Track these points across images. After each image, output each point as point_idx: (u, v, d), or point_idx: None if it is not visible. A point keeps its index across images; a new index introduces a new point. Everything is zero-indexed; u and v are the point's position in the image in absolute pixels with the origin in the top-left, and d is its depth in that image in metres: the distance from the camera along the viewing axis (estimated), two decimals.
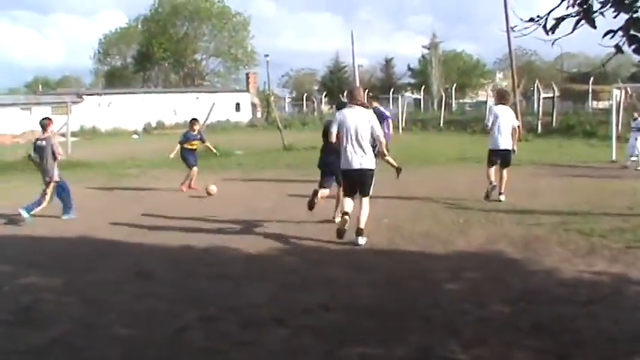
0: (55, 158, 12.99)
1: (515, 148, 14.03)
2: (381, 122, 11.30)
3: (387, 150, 12.74)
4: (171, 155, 17.33)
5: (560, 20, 3.96)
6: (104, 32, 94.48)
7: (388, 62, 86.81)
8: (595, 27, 3.85)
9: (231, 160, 25.46)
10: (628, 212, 11.90)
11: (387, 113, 16.51)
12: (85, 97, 59.32)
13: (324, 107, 68.94)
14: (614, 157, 21.85)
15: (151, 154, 28.24)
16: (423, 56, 78.27)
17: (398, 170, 15.69)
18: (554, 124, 38.13)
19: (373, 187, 10.69)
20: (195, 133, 17.35)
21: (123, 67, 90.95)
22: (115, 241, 10.74)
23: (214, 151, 19.08)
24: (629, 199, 13.38)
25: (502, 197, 13.65)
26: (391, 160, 15.15)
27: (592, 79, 45.06)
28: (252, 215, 12.75)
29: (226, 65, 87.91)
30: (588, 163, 21.24)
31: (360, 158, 10.00)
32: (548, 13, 4.02)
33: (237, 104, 67.87)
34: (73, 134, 40.19)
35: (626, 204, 12.69)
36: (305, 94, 73.18)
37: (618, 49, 3.76)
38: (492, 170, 13.85)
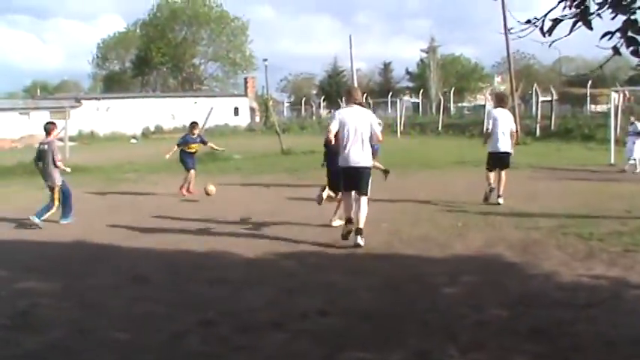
0: (58, 164, 12.97)
1: (512, 151, 14.11)
2: None
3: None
4: (167, 156, 17.26)
5: (557, 22, 3.94)
6: (103, 37, 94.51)
7: (386, 66, 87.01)
8: (592, 28, 3.83)
9: (230, 165, 25.48)
10: (626, 216, 11.89)
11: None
12: (83, 101, 59.38)
13: (323, 111, 69.01)
14: (612, 161, 21.86)
15: (149, 159, 28.22)
16: (421, 60, 78.43)
17: (385, 172, 15.82)
18: (552, 127, 38.15)
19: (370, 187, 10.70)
20: (195, 136, 17.28)
21: (121, 72, 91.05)
22: (112, 246, 10.72)
23: (220, 149, 19.07)
24: (628, 202, 13.38)
25: (500, 200, 13.66)
26: (377, 164, 15.11)
27: (590, 82, 45.15)
28: (250, 219, 12.74)
29: (225, 70, 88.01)
30: (586, 167, 21.23)
31: (358, 156, 10.17)
32: (545, 15, 4.00)
33: (236, 109, 67.87)
34: (72, 139, 40.16)
35: (624, 207, 12.69)
36: (303, 99, 73.25)
37: (616, 51, 3.75)
38: (492, 173, 13.89)
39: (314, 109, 71.58)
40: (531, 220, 11.70)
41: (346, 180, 10.44)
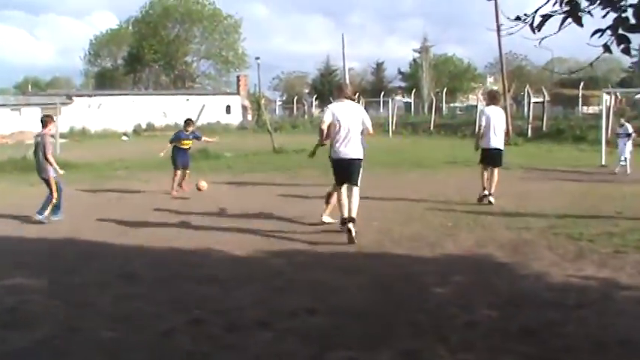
0: (49, 156, 12.85)
1: (503, 148, 14.28)
2: None
3: None
4: (162, 154, 17.19)
5: (546, 18, 3.91)
6: (95, 33, 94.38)
7: (379, 66, 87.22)
8: (582, 25, 3.80)
9: (221, 163, 25.40)
10: (617, 217, 11.89)
11: None
12: (74, 98, 59.15)
13: (315, 110, 68.98)
14: (603, 162, 21.90)
15: (140, 156, 28.17)
16: (413, 60, 78.71)
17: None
18: (544, 128, 38.23)
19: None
20: (188, 133, 17.22)
21: (113, 69, 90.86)
22: (101, 243, 10.65)
23: (213, 139, 19.02)
24: (618, 203, 13.40)
25: (491, 199, 13.70)
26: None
27: (582, 84, 45.25)
28: (240, 217, 12.72)
29: (217, 68, 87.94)
30: (578, 168, 21.26)
31: (349, 149, 10.53)
32: (535, 12, 3.98)
33: (228, 107, 67.79)
34: (63, 136, 40.07)
35: (615, 208, 12.69)
36: (296, 97, 73.43)
37: (606, 48, 3.72)
38: (485, 173, 14.05)
39: (306, 107, 71.67)
40: (522, 221, 11.70)
41: (338, 172, 10.74)
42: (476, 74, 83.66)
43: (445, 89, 60.65)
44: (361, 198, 10.74)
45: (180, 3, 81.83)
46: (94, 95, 63.47)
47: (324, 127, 10.64)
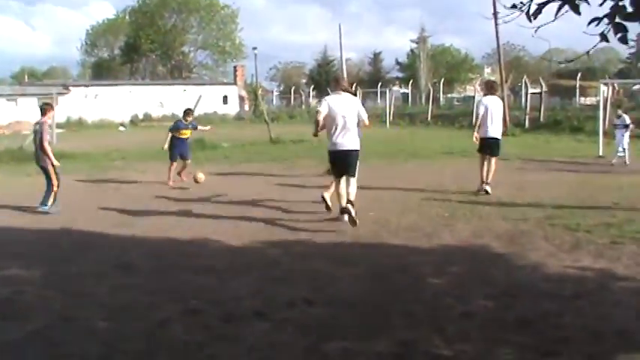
0: (45, 144, 12.76)
1: (500, 137, 14.38)
2: None
3: None
4: (165, 146, 17.09)
5: (542, 5, 3.88)
6: (92, 23, 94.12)
7: (376, 56, 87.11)
8: (579, 13, 3.77)
9: (218, 153, 25.37)
10: (614, 207, 11.88)
11: None
12: (71, 88, 58.95)
13: (312, 101, 68.88)
14: (601, 153, 21.88)
15: (137, 146, 28.13)
16: (411, 50, 78.65)
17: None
18: (541, 119, 38.17)
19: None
20: (187, 122, 17.20)
21: (110, 59, 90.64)
22: (97, 233, 10.64)
23: (205, 128, 18.97)
24: (616, 194, 13.39)
25: (488, 188, 13.76)
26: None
27: (579, 75, 45.22)
28: (237, 207, 12.71)
29: (214, 58, 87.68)
30: (575, 159, 21.24)
31: (346, 140, 10.64)
32: (532, 0, 3.94)
33: (225, 97, 67.63)
34: (60, 126, 39.99)
35: (612, 199, 12.68)
36: (293, 88, 73.32)
37: (603, 37, 3.68)
38: (485, 163, 14.09)
39: (303, 98, 71.50)
40: (519, 211, 11.69)
41: (336, 164, 10.88)
42: (473, 65, 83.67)
43: (442, 80, 60.60)
44: (358, 188, 10.84)
45: None
46: (91, 85, 63.32)
47: (320, 117, 10.75)
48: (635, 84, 49.52)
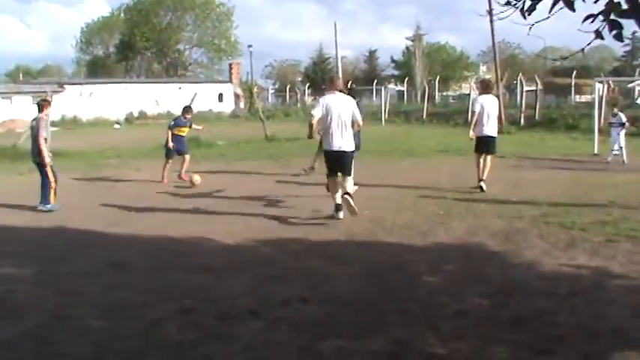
0: (40, 140, 12.68)
1: (496, 135, 14.52)
2: None
3: None
4: (170, 144, 16.95)
5: (536, 2, 3.86)
6: (87, 21, 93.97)
7: (372, 54, 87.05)
8: (573, 10, 3.74)
9: (213, 151, 25.32)
10: (609, 205, 11.87)
11: None
12: (66, 86, 58.75)
13: (308, 98, 68.81)
14: (596, 151, 21.87)
15: (132, 144, 28.07)
16: (406, 48, 78.55)
17: None
18: (536, 117, 38.16)
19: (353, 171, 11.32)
20: (186, 120, 17.19)
21: (105, 57, 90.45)
22: (91, 232, 10.60)
23: (199, 127, 18.94)
24: (611, 192, 13.39)
25: (483, 184, 13.84)
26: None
27: (575, 73, 45.24)
28: (232, 206, 12.69)
29: (209, 55, 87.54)
30: (570, 157, 21.23)
31: (341, 141, 10.88)
32: None
33: (220, 95, 67.46)
34: (54, 124, 39.79)
35: (607, 197, 12.67)
36: (288, 85, 73.08)
37: (598, 34, 3.66)
38: (481, 161, 14.18)
39: (299, 96, 71.37)
40: (514, 209, 11.69)
41: (330, 163, 11.13)
42: (469, 63, 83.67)
43: (438, 78, 60.57)
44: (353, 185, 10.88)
45: None
46: (86, 83, 63.10)
47: (314, 121, 11.01)
48: (630, 82, 49.60)
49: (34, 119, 13.03)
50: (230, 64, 74.81)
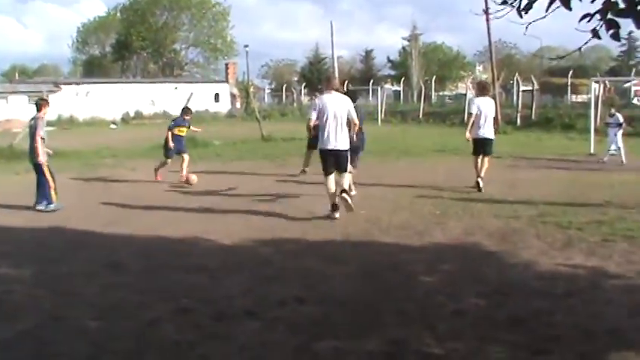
0: (36, 139, 12.63)
1: (494, 137, 14.56)
2: None
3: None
4: (171, 144, 16.92)
5: (532, 0, 3.86)
6: (83, 21, 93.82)
7: (368, 54, 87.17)
8: (570, 8, 3.74)
9: (210, 151, 25.27)
10: (605, 205, 11.89)
11: None
12: (62, 86, 58.60)
13: (304, 98, 68.82)
14: (592, 151, 21.91)
15: (128, 144, 28.02)
16: (403, 48, 78.64)
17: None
18: (533, 117, 38.21)
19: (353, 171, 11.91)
20: (185, 121, 17.14)
21: (101, 56, 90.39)
22: (88, 232, 10.58)
23: (198, 129, 18.92)
24: (607, 192, 13.41)
25: (480, 182, 13.93)
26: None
27: (571, 72, 45.30)
28: (228, 206, 12.67)
29: (205, 55, 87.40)
30: (567, 156, 21.28)
31: (336, 140, 11.03)
32: None
33: (216, 95, 67.37)
34: (50, 124, 39.59)
35: (603, 197, 12.69)
36: (284, 85, 73.06)
37: (595, 33, 3.66)
38: (479, 161, 14.28)
39: (295, 95, 71.37)
40: (511, 209, 11.70)
41: (326, 162, 11.23)
42: (465, 62, 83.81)
43: (434, 77, 60.66)
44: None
45: None
46: (82, 83, 62.92)
47: (312, 124, 11.28)
48: (626, 81, 49.67)
49: (32, 118, 13.00)
50: (226, 64, 74.70)
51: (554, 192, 13.53)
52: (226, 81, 70.35)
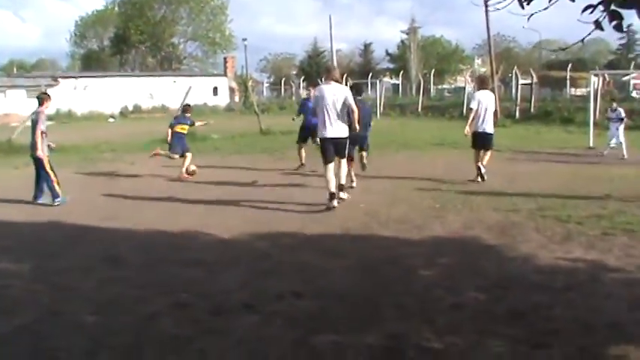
0: (37, 133, 12.59)
1: (493, 131, 14.63)
2: None
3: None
4: (169, 139, 16.83)
5: None
6: (81, 15, 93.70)
7: (367, 47, 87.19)
8: (573, 0, 3.71)
9: (208, 144, 25.23)
10: (605, 199, 11.87)
11: None
12: (60, 80, 58.55)
13: (303, 92, 68.78)
14: (591, 144, 21.90)
15: (126, 138, 27.98)
16: (402, 41, 78.66)
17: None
18: (532, 110, 38.21)
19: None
20: (185, 118, 17.05)
21: (99, 50, 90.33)
22: (86, 226, 10.56)
23: (206, 122, 18.81)
24: (606, 185, 13.39)
25: (482, 169, 14.12)
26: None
27: (570, 66, 45.26)
28: (226, 200, 12.66)
29: (204, 49, 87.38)
30: (566, 150, 21.27)
31: (334, 128, 11.38)
32: None
33: (215, 88, 67.38)
34: (49, 118, 39.51)
35: (603, 190, 12.67)
36: (283, 79, 73.06)
37: (598, 25, 3.62)
38: (479, 155, 14.38)
39: (293, 89, 71.30)
40: (510, 202, 11.69)
41: (325, 150, 11.53)
42: (464, 56, 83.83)
43: (433, 71, 60.61)
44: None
45: None
46: (80, 77, 62.88)
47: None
48: (625, 75, 49.65)
49: (34, 112, 12.99)
50: (225, 58, 74.72)
51: (554, 185, 13.51)
52: (225, 75, 70.39)
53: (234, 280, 7.29)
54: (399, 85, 65.19)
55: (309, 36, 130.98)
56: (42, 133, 12.59)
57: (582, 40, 4.04)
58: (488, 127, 14.35)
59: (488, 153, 14.41)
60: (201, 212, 11.60)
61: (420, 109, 46.91)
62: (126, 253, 8.75)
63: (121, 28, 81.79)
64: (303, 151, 16.92)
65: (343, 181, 11.85)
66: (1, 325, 6.03)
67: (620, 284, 7.00)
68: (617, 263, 7.74)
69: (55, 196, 12.53)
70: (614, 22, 3.54)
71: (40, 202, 12.65)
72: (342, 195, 11.79)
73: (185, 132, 16.99)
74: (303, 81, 70.62)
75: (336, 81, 11.74)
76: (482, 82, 15.44)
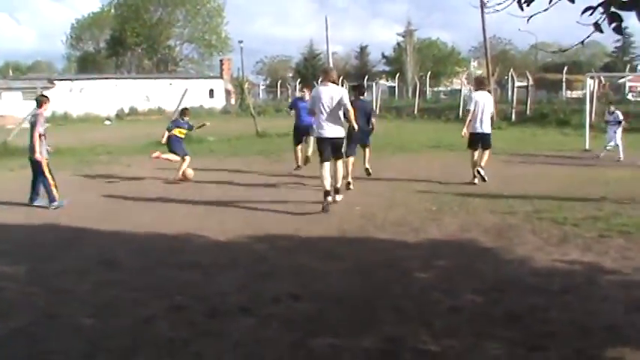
0: (35, 135, 12.54)
1: (491, 132, 14.75)
2: None
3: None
4: (163, 140, 16.76)
5: None
6: (77, 17, 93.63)
7: (363, 49, 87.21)
8: (573, 1, 3.70)
9: (204, 147, 25.20)
10: (601, 201, 11.88)
11: None
12: (56, 82, 58.53)
13: (298, 94, 68.80)
14: (587, 146, 21.91)
15: (122, 141, 27.94)
16: (398, 44, 78.69)
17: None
18: (528, 112, 38.27)
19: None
20: (183, 122, 16.97)
21: (96, 53, 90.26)
22: (81, 229, 10.52)
23: (203, 123, 18.74)
24: (602, 187, 13.40)
25: (481, 170, 14.13)
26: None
27: (566, 68, 45.35)
28: (223, 202, 12.64)
29: (200, 51, 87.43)
30: (562, 152, 21.28)
31: (330, 128, 11.54)
32: None
33: (211, 90, 67.42)
34: (45, 120, 39.54)
35: (599, 192, 12.68)
36: (279, 81, 73.14)
37: (597, 27, 3.61)
38: (476, 152, 14.45)
39: (290, 91, 71.34)
40: (506, 205, 11.69)
41: (321, 150, 11.66)
42: (460, 58, 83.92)
43: (429, 73, 60.62)
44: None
45: None
46: (76, 79, 62.86)
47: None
48: (620, 77, 49.74)
49: (33, 115, 12.97)
50: (221, 60, 74.84)
51: (550, 188, 13.52)
52: (221, 77, 70.48)
53: (230, 283, 7.28)
54: (395, 87, 65.25)
55: (305, 38, 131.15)
56: (40, 135, 12.56)
57: (582, 42, 4.04)
58: (486, 127, 14.43)
59: (487, 152, 14.46)
60: (197, 215, 11.58)
61: (416, 112, 46.98)
62: (122, 255, 8.73)
63: (117, 30, 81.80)
64: (299, 152, 16.89)
65: (339, 184, 12.05)
66: None
67: (617, 286, 7.00)
68: (613, 265, 7.74)
69: (51, 199, 12.50)
70: (613, 24, 3.54)
71: (36, 204, 12.62)
72: (337, 197, 11.95)
73: (183, 136, 16.94)
74: (299, 83, 70.65)
75: (333, 82, 11.83)
76: (479, 83, 15.59)
